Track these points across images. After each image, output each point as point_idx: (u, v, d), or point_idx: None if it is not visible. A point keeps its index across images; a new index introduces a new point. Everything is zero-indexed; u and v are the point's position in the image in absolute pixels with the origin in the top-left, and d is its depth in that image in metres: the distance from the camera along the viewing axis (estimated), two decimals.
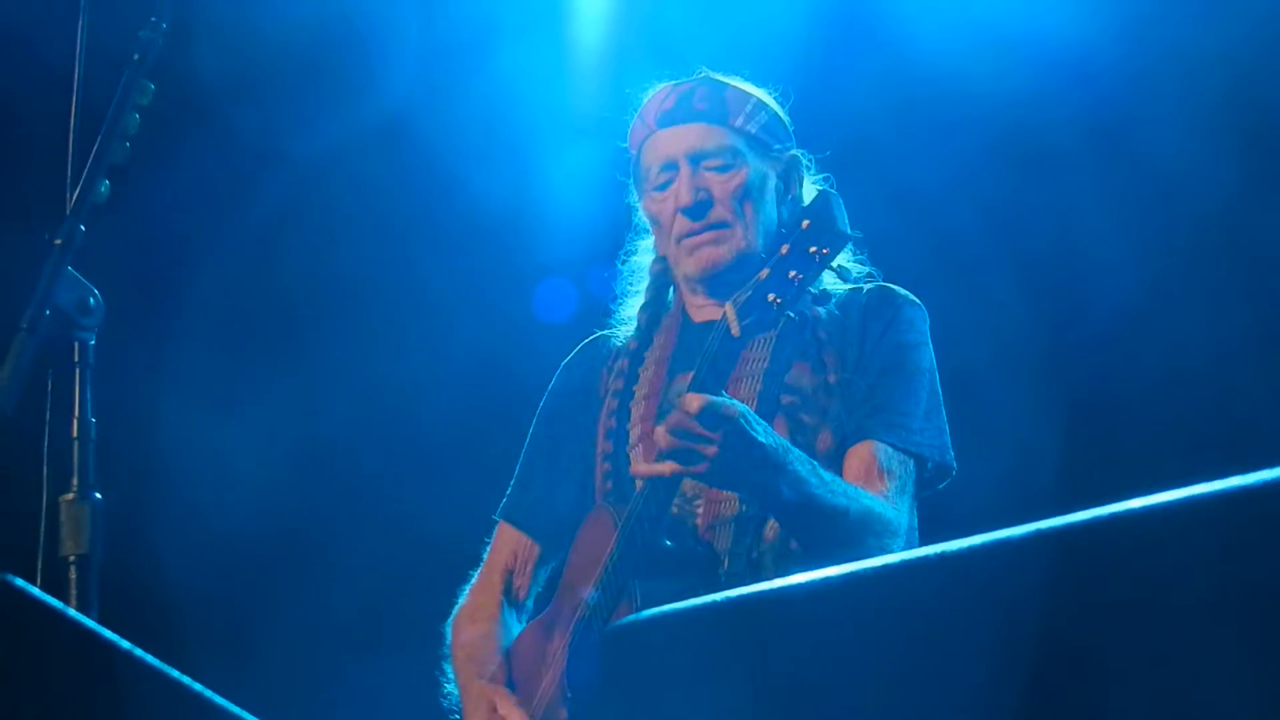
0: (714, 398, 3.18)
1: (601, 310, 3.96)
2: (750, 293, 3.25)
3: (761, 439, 3.22)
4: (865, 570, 2.01)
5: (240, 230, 5.63)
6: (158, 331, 5.52)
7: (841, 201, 3.25)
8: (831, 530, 3.34)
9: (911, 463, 3.52)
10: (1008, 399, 5.07)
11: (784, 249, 3.23)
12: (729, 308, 3.26)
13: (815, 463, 3.35)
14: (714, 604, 2.02)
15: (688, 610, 2.03)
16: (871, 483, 3.45)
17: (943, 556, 1.91)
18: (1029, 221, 5.25)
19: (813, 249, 3.20)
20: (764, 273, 3.24)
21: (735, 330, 3.25)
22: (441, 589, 4.00)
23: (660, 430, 3.24)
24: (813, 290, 3.28)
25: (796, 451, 3.31)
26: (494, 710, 3.55)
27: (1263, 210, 5.02)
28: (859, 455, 3.49)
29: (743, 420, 3.19)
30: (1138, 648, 1.79)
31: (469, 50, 5.59)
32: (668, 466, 3.23)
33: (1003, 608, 1.87)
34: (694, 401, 3.16)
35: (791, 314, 3.26)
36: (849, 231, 3.24)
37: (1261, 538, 1.73)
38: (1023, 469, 4.97)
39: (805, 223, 3.22)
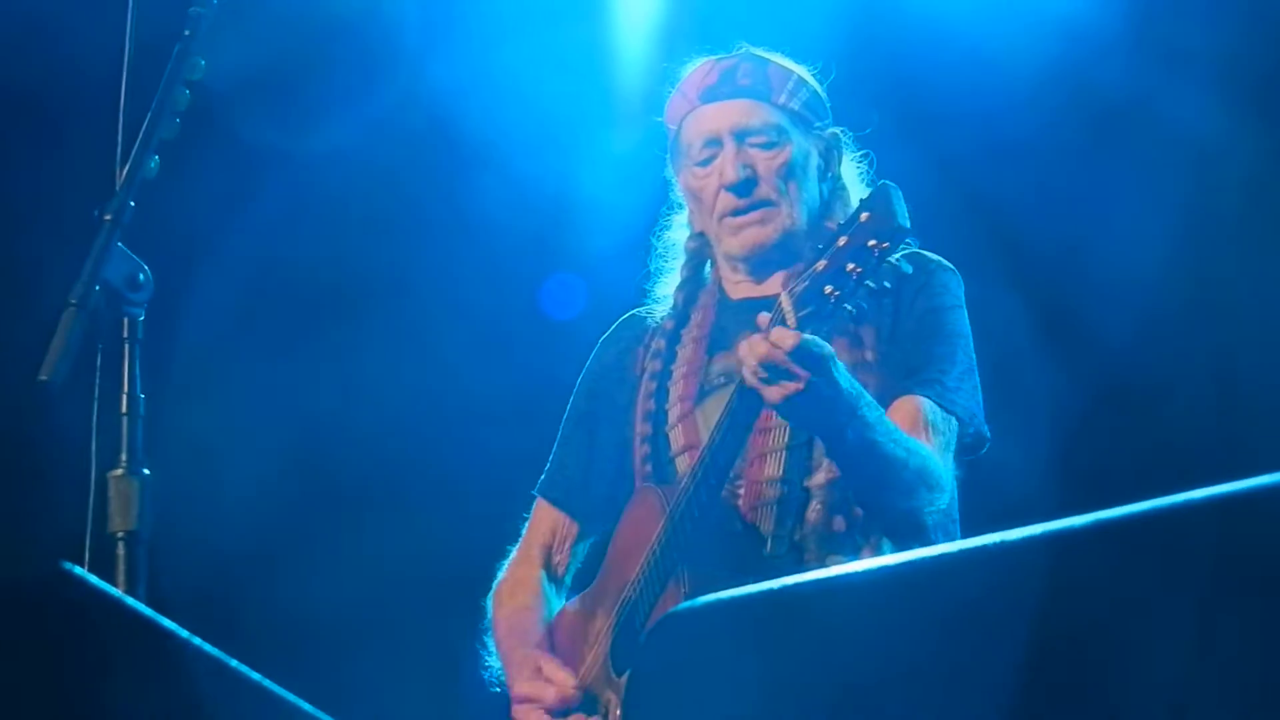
0: (807, 335, 3.10)
1: (615, 307, 3.92)
2: (807, 283, 3.16)
3: (844, 384, 3.17)
4: (920, 560, 1.99)
5: (262, 215, 5.60)
6: (186, 310, 5.49)
7: (901, 194, 3.14)
8: (888, 479, 3.29)
9: (954, 421, 3.48)
10: (1030, 385, 5.02)
11: (842, 240, 3.13)
12: (784, 298, 3.17)
13: (881, 410, 3.30)
14: (769, 591, 1.99)
15: (743, 597, 2.00)
16: (918, 436, 3.40)
17: (1001, 546, 1.87)
18: (1052, 205, 5.20)
19: (871, 242, 3.10)
20: (821, 264, 3.15)
21: (792, 322, 3.15)
22: (449, 576, 3.99)
23: (745, 351, 3.14)
24: (871, 284, 3.17)
25: (869, 398, 3.25)
26: (539, 671, 3.52)
27: None
28: (904, 409, 3.43)
29: (830, 361, 3.13)
30: (1135, 651, 1.77)
31: (493, 36, 5.54)
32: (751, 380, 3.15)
33: (1055, 597, 1.84)
34: (788, 338, 3.08)
35: (849, 307, 3.16)
36: (908, 225, 3.13)
37: None
38: (1047, 458, 4.93)
39: (864, 215, 3.13)
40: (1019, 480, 4.66)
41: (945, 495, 3.40)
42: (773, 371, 3.11)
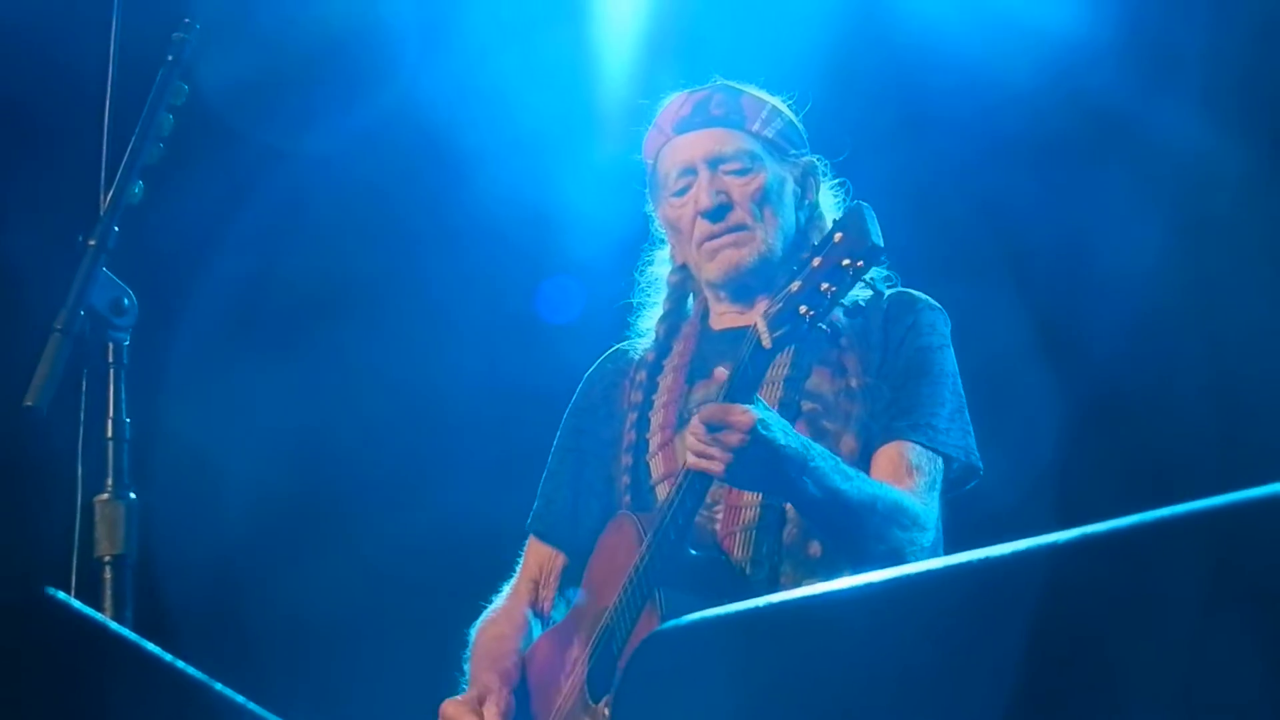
0: (729, 405, 3.14)
1: (610, 312, 3.92)
2: (781, 305, 3.17)
3: (781, 441, 3.17)
4: (907, 577, 1.97)
5: (249, 228, 5.59)
6: (170, 330, 5.49)
7: (874, 214, 3.15)
8: (858, 525, 3.30)
9: (940, 460, 3.47)
10: (1023, 399, 5.02)
11: (816, 261, 3.14)
12: (760, 321, 3.20)
13: (838, 459, 3.30)
14: (755, 610, 1.98)
15: (728, 615, 1.98)
16: (900, 479, 3.41)
17: (985, 562, 1.86)
18: (1044, 218, 5.19)
19: (845, 261, 3.11)
20: (795, 285, 3.16)
21: (767, 342, 3.18)
22: (445, 586, 3.97)
23: (687, 436, 3.21)
24: (844, 303, 3.19)
25: (818, 448, 3.26)
26: (479, 700, 3.51)
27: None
28: (887, 455, 3.45)
29: (760, 427, 3.13)
30: (1164, 656, 1.76)
31: (481, 48, 5.54)
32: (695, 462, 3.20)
33: (1045, 612, 1.83)
34: (705, 413, 3.15)
35: (824, 326, 3.17)
36: (882, 244, 3.14)
37: None
38: (1040, 470, 4.92)
39: (838, 235, 3.13)
40: (1012, 493, 4.65)
41: (928, 533, 3.39)
42: (715, 429, 3.14)
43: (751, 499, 3.44)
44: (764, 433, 3.13)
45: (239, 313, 5.64)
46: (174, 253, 5.34)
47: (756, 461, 3.15)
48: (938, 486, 3.46)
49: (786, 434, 3.19)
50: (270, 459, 5.57)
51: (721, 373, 3.44)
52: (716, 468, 3.16)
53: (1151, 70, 5.05)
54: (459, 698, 3.55)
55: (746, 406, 3.15)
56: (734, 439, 3.13)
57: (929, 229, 4.96)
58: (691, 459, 3.19)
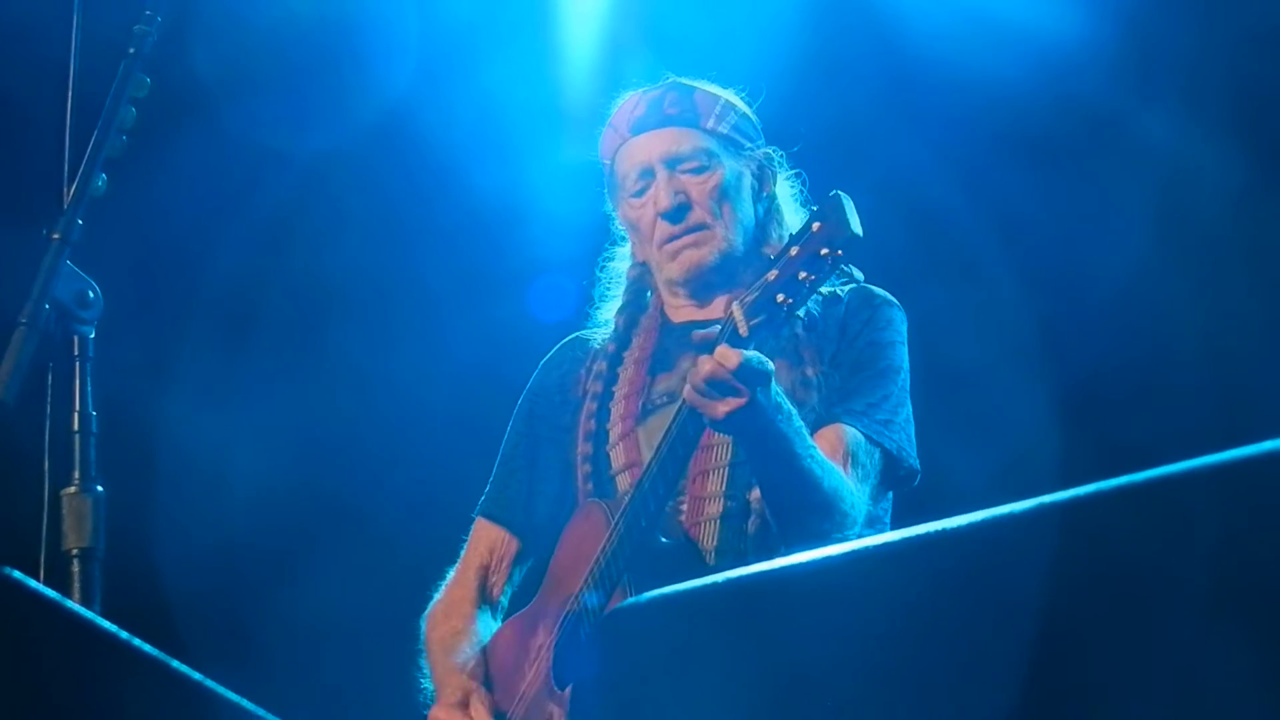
0: (750, 352, 3.12)
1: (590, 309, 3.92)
2: (758, 293, 3.17)
3: (780, 400, 3.19)
4: (868, 549, 1.97)
5: (236, 227, 5.58)
6: (156, 328, 5.47)
7: (853, 203, 3.15)
8: (803, 495, 3.28)
9: (878, 453, 3.47)
10: (1004, 390, 5.01)
11: (794, 250, 3.14)
12: (736, 308, 3.19)
13: (804, 426, 3.29)
14: (714, 585, 1.98)
15: (688, 591, 1.98)
16: (836, 464, 3.39)
17: (944, 533, 1.86)
18: (1023, 212, 5.19)
19: (824, 251, 3.12)
20: (773, 274, 3.16)
21: (744, 330, 3.17)
22: (437, 584, 3.97)
23: (693, 376, 3.16)
24: (822, 291, 3.19)
25: (788, 409, 3.25)
26: (465, 705, 3.49)
27: (1263, 200, 4.96)
28: (826, 438, 3.42)
29: (772, 377, 3.15)
30: (1140, 624, 1.75)
31: (465, 47, 5.54)
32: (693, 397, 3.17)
33: (1009, 583, 1.83)
34: (733, 356, 3.09)
35: (800, 314, 3.18)
36: (861, 234, 3.13)
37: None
38: (1019, 460, 4.90)
39: (816, 225, 3.14)
40: (1001, 489, 4.64)
41: (856, 527, 3.37)
42: (717, 388, 3.11)
43: (716, 490, 3.44)
44: (773, 385, 3.16)
45: (225, 311, 5.63)
46: (162, 251, 5.34)
47: (758, 410, 3.16)
48: (871, 480, 3.45)
49: (778, 390, 3.20)
50: (268, 457, 5.55)
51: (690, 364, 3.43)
52: (721, 410, 3.15)
53: (1138, 70, 5.05)
54: (443, 704, 3.52)
55: (763, 357, 3.15)
56: (727, 406, 3.13)
57: (913, 224, 4.96)
58: (688, 391, 3.17)
